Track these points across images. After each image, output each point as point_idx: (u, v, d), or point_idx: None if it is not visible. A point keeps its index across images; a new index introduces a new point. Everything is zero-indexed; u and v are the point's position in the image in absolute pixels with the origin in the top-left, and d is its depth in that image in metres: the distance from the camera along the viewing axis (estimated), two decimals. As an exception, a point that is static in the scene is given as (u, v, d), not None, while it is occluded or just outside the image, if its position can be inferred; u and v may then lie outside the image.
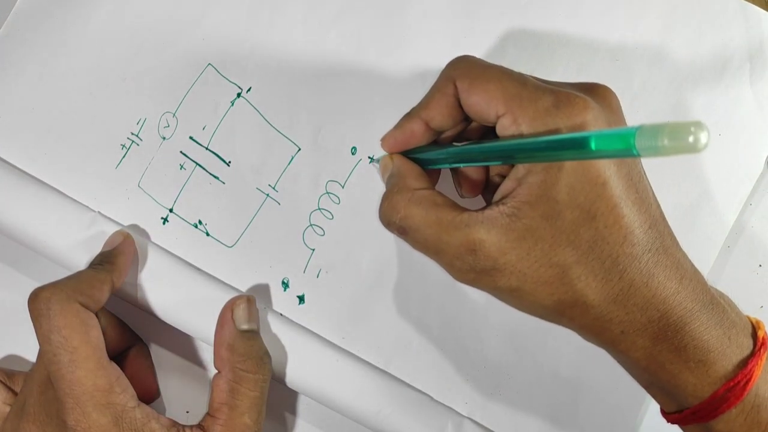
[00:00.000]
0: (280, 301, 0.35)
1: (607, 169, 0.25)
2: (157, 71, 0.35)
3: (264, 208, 0.35)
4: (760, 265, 0.37)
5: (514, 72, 0.28)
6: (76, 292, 0.29)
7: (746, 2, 0.36)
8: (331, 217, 0.35)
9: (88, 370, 0.28)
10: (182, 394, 0.36)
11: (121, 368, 0.30)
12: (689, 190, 0.36)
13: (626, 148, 0.20)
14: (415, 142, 0.30)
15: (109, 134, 0.35)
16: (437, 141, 0.31)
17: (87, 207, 0.34)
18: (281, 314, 0.35)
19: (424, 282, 0.35)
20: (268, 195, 0.35)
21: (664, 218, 0.27)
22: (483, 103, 0.27)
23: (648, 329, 0.26)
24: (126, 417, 0.28)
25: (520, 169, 0.26)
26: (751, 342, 0.27)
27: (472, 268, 0.26)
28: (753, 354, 0.27)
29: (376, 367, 0.35)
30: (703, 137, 0.18)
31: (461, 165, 0.29)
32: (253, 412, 0.30)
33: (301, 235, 0.35)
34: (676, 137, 0.18)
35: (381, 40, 0.35)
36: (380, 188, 0.35)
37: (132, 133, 0.35)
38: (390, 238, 0.35)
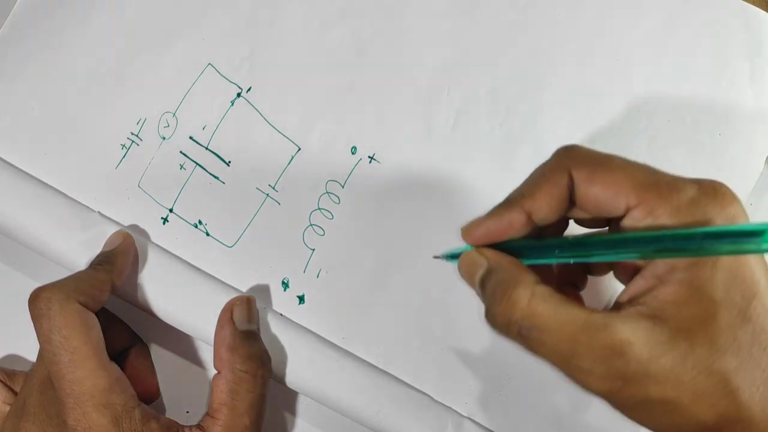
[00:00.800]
0: (280, 301, 0.35)
1: (761, 266, 0.23)
2: (157, 71, 0.35)
3: (264, 208, 0.35)
4: (760, 265, 0.37)
5: (638, 162, 0.24)
6: (77, 291, 0.29)
7: (746, 2, 0.36)
8: (331, 216, 0.35)
9: (89, 369, 0.28)
10: (182, 394, 0.36)
11: (121, 368, 0.30)
12: (689, 190, 0.36)
13: None
14: (511, 235, 0.26)
15: (109, 134, 0.35)
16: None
17: (87, 207, 0.34)
18: (281, 314, 0.35)
19: (424, 282, 0.35)
20: (268, 195, 0.35)
21: None
22: (608, 195, 0.24)
23: None
24: (126, 417, 0.28)
25: (660, 265, 0.23)
26: None
27: (619, 375, 0.22)
28: None
29: (376, 367, 0.35)
30: None
31: (573, 260, 0.25)
32: (253, 413, 0.30)
33: (301, 235, 0.35)
34: None
35: (381, 40, 0.35)
36: (380, 188, 0.35)
37: (132, 133, 0.35)
38: (390, 238, 0.35)
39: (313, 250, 0.35)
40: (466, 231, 0.27)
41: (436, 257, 0.30)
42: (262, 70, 0.35)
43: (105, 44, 0.35)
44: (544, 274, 0.27)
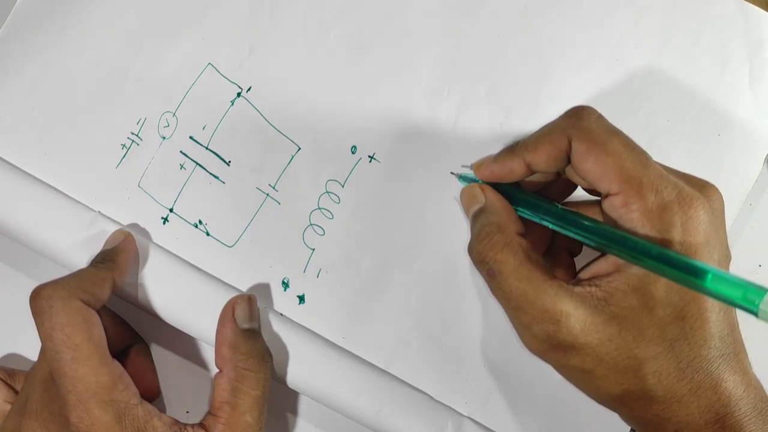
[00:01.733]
0: (281, 300, 0.35)
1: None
2: (157, 71, 0.35)
3: (264, 207, 0.35)
4: (760, 265, 0.37)
5: (638, 148, 0.26)
6: (78, 289, 0.29)
7: (746, 2, 0.36)
8: (331, 216, 0.35)
9: (91, 367, 0.28)
10: (182, 394, 0.36)
11: (122, 366, 0.30)
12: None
13: (747, 305, 0.20)
14: (511, 179, 0.30)
15: (110, 134, 0.35)
16: (518, 184, 0.31)
17: (87, 207, 0.34)
18: (281, 314, 0.35)
19: (424, 282, 0.35)
20: (268, 194, 0.35)
21: (738, 324, 0.27)
22: (596, 174, 0.26)
23: (703, 431, 0.26)
24: (128, 414, 0.28)
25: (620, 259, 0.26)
26: None
27: (548, 339, 0.26)
28: None
29: (377, 367, 0.35)
30: None
31: (553, 226, 0.28)
32: (255, 411, 0.30)
33: (301, 235, 0.35)
34: None
35: (381, 40, 0.35)
36: (381, 188, 0.35)
37: (132, 133, 0.35)
38: (390, 238, 0.35)
39: (313, 249, 0.35)
40: (477, 167, 0.31)
41: (452, 173, 0.34)
42: (262, 69, 0.35)
43: (105, 44, 0.35)
44: (541, 234, 0.31)
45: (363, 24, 0.35)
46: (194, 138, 0.35)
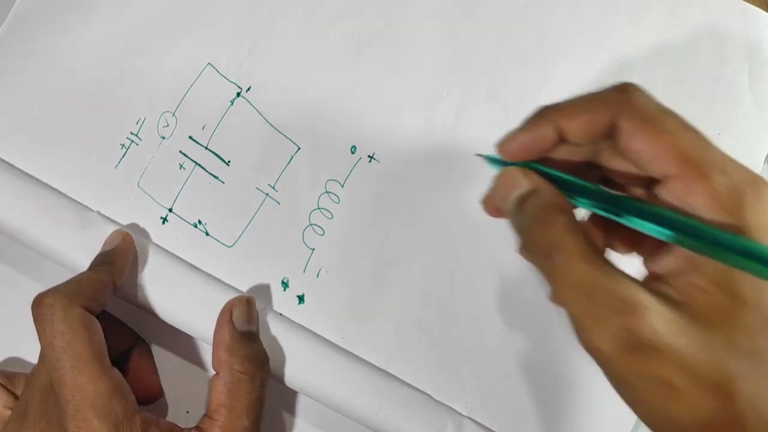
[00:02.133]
0: (280, 300, 0.35)
1: None
2: (156, 71, 0.35)
3: (264, 207, 0.35)
4: (760, 265, 0.37)
5: (696, 129, 0.22)
6: (79, 296, 0.29)
7: (746, 2, 0.36)
8: (330, 216, 0.35)
9: (90, 376, 0.28)
10: (182, 394, 0.36)
11: (124, 369, 0.30)
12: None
13: None
14: (541, 150, 0.24)
15: (109, 134, 0.35)
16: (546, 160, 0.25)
17: (86, 207, 0.34)
18: (281, 314, 0.35)
19: (424, 281, 0.35)
20: (267, 194, 0.35)
21: None
22: (649, 155, 0.22)
23: None
24: (126, 423, 0.28)
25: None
26: None
27: (627, 335, 0.20)
28: None
29: (376, 367, 0.34)
30: None
31: (601, 212, 0.23)
32: (252, 415, 0.30)
33: (300, 235, 0.35)
34: None
35: (380, 40, 0.35)
36: (380, 188, 0.35)
37: (131, 133, 0.35)
38: (390, 237, 0.35)
39: (313, 249, 0.35)
40: (501, 145, 0.25)
41: (479, 155, 0.27)
42: (261, 69, 0.35)
43: (104, 44, 0.35)
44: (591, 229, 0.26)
45: (363, 24, 0.35)
46: (194, 138, 0.35)
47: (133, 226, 0.34)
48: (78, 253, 0.33)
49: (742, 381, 0.20)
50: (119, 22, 0.35)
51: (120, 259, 0.32)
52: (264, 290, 0.35)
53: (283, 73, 0.35)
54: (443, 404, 0.35)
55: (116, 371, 0.29)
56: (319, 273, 0.35)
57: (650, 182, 0.23)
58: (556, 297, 0.22)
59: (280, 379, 0.34)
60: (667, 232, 0.22)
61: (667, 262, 0.23)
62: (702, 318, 0.21)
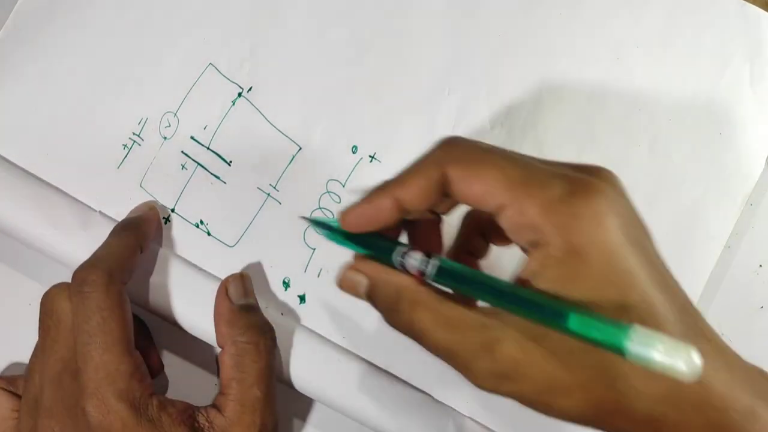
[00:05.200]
0: (281, 300, 0.35)
1: (632, 256, 0.22)
2: (158, 71, 0.35)
3: (265, 207, 0.35)
4: (761, 265, 0.37)
5: (516, 154, 0.24)
6: (118, 271, 0.29)
7: (746, 2, 0.36)
8: (332, 216, 0.35)
9: (116, 354, 0.28)
10: (182, 394, 0.36)
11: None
12: (690, 191, 0.36)
13: (615, 345, 0.19)
14: (380, 222, 0.26)
15: (111, 134, 0.35)
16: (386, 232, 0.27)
17: (88, 207, 0.34)
18: (282, 314, 0.35)
19: (425, 282, 0.35)
20: (269, 194, 0.35)
21: (690, 301, 0.24)
22: (481, 194, 0.24)
23: (708, 429, 0.22)
24: (143, 404, 0.28)
25: (533, 263, 0.23)
26: None
27: (490, 372, 0.23)
28: None
29: (378, 367, 0.34)
30: (696, 369, 0.17)
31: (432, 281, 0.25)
32: (263, 384, 0.30)
33: (302, 235, 0.35)
34: (671, 356, 0.17)
35: (381, 40, 0.36)
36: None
37: (133, 133, 0.35)
38: (391, 238, 0.35)
39: (314, 249, 0.35)
40: (342, 216, 0.27)
41: (302, 218, 0.33)
42: (263, 69, 0.35)
43: (106, 44, 0.35)
44: (431, 229, 0.28)
45: (363, 24, 0.35)
46: (195, 138, 0.35)
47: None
48: (78, 253, 0.33)
49: (612, 367, 0.22)
50: (120, 22, 0.35)
51: (145, 225, 0.33)
52: (265, 290, 0.35)
53: (285, 73, 0.35)
54: (444, 404, 0.35)
55: (137, 353, 0.29)
56: (320, 273, 0.35)
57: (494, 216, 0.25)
58: (433, 354, 0.25)
59: (280, 379, 0.34)
60: (483, 299, 0.24)
61: (529, 268, 0.23)
62: None
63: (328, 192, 0.35)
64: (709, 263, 0.36)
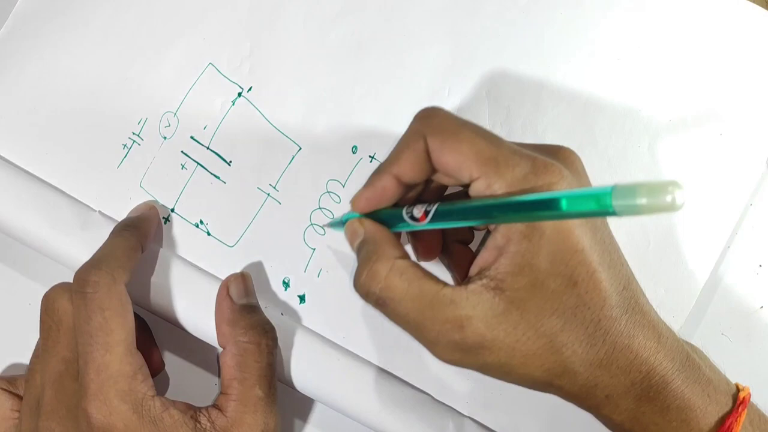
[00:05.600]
0: (281, 300, 0.35)
1: (584, 236, 0.25)
2: (158, 71, 0.35)
3: (265, 207, 0.35)
4: (761, 265, 0.37)
5: (488, 132, 0.27)
6: (120, 271, 0.29)
7: (747, 1, 0.36)
8: (332, 216, 0.35)
9: (118, 354, 0.28)
10: (184, 394, 0.36)
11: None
12: (690, 190, 0.36)
13: (602, 209, 0.20)
14: (387, 199, 0.29)
15: (111, 134, 0.35)
16: (397, 204, 0.30)
17: (88, 206, 0.34)
18: (282, 314, 0.35)
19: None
20: (269, 194, 0.35)
21: (634, 277, 0.27)
22: (455, 164, 0.26)
23: (631, 391, 0.26)
24: (145, 405, 0.28)
25: (499, 238, 0.26)
26: (730, 400, 0.27)
27: (458, 347, 0.26)
28: (731, 411, 0.27)
29: (377, 367, 0.34)
30: (680, 197, 0.18)
31: (434, 226, 0.28)
32: (264, 384, 0.30)
33: (302, 235, 0.35)
34: (654, 196, 0.18)
35: (381, 40, 0.35)
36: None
37: (133, 133, 0.35)
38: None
39: (314, 249, 0.35)
40: (353, 201, 0.29)
41: (324, 226, 0.35)
42: (263, 69, 0.35)
43: (106, 44, 0.35)
44: (430, 238, 0.31)
45: (363, 24, 0.35)
46: (195, 138, 0.35)
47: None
48: (78, 253, 0.33)
49: (560, 336, 0.25)
50: (120, 22, 0.35)
51: (145, 225, 0.33)
52: (265, 290, 0.35)
53: (285, 73, 0.35)
54: (444, 404, 0.35)
55: (139, 354, 0.29)
56: (320, 273, 0.35)
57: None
58: (396, 325, 0.27)
59: (280, 379, 0.34)
60: (476, 221, 0.26)
61: (483, 257, 0.26)
62: (516, 298, 0.25)
63: (328, 192, 0.35)
64: (709, 263, 0.36)
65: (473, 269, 0.27)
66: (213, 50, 0.35)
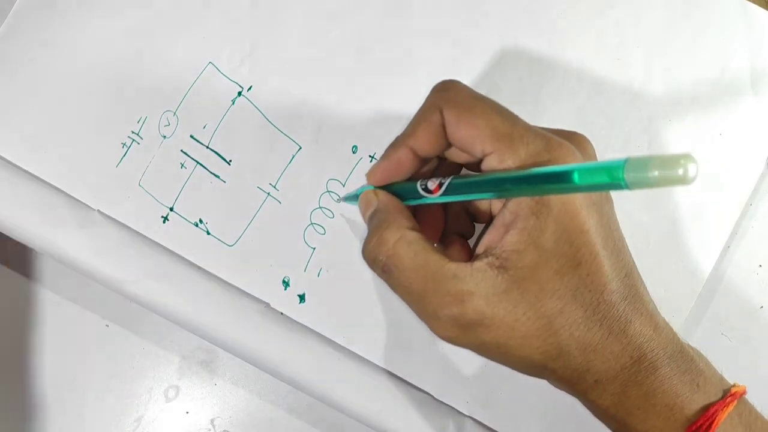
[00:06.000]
0: (281, 300, 0.35)
1: (590, 218, 0.26)
2: (157, 70, 0.35)
3: (265, 206, 0.35)
4: (760, 266, 0.37)
5: (504, 109, 0.27)
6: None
7: (747, 1, 0.36)
8: (332, 215, 0.35)
9: None
10: (185, 393, 0.36)
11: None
12: (689, 191, 0.36)
13: (614, 181, 0.20)
14: (403, 172, 0.29)
15: (110, 133, 0.35)
16: (412, 178, 0.30)
17: (87, 205, 0.34)
18: (282, 313, 0.34)
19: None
20: (268, 194, 0.35)
21: (636, 267, 0.28)
22: (470, 138, 0.26)
23: (620, 376, 0.26)
24: None
25: (507, 215, 0.26)
26: (720, 392, 0.27)
27: (456, 322, 0.25)
28: (718, 401, 0.27)
29: (378, 366, 0.34)
30: (692, 169, 0.18)
31: (446, 198, 0.28)
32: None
33: (301, 234, 0.35)
34: (666, 168, 0.18)
35: (381, 39, 0.35)
36: (381, 187, 0.35)
37: (133, 132, 0.35)
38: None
39: (314, 248, 0.35)
40: (369, 173, 0.30)
41: (338, 200, 0.34)
42: (263, 68, 0.35)
43: (106, 43, 0.35)
44: (433, 222, 0.31)
45: (363, 24, 0.35)
46: (195, 137, 0.35)
47: (132, 228, 0.34)
48: (77, 252, 0.33)
49: (559, 318, 0.25)
50: (120, 21, 0.35)
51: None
52: (265, 289, 0.35)
53: (285, 72, 0.35)
54: (445, 404, 0.35)
55: None
56: (320, 272, 0.35)
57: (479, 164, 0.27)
58: (398, 295, 0.27)
59: (280, 378, 0.34)
60: (488, 194, 0.26)
61: (490, 236, 0.26)
62: (519, 277, 0.25)
63: (328, 191, 0.35)
64: (708, 263, 0.36)
65: (479, 248, 0.27)
66: (213, 49, 0.35)
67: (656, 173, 0.18)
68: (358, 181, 0.35)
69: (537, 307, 0.25)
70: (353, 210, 0.35)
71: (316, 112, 0.35)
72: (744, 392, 0.28)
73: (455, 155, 0.29)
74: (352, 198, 0.32)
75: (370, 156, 0.35)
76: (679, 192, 0.36)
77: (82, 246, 0.33)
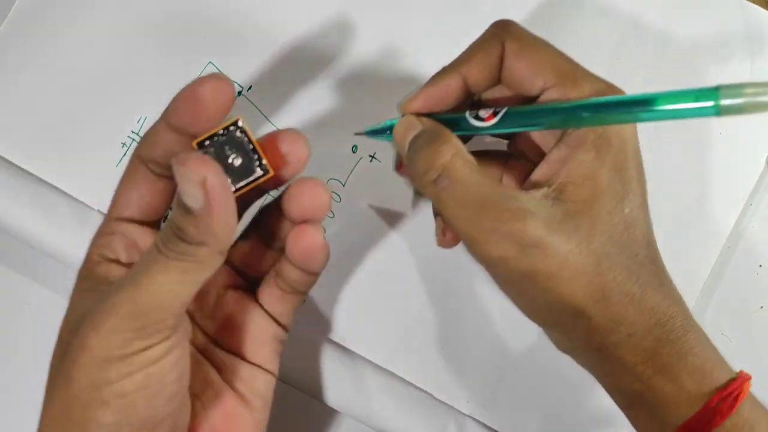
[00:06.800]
0: (281, 300, 0.35)
1: (639, 166, 0.26)
2: (157, 69, 0.35)
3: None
4: (761, 265, 0.37)
5: (564, 53, 0.27)
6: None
7: (747, 2, 0.36)
8: (332, 215, 0.35)
9: None
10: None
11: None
12: (689, 190, 0.36)
13: (706, 106, 0.20)
14: (447, 101, 0.27)
15: (110, 133, 0.35)
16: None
17: (87, 205, 0.34)
18: (282, 313, 0.34)
19: (425, 280, 0.35)
20: (269, 193, 0.35)
21: (654, 239, 0.27)
22: (530, 70, 0.26)
23: (653, 332, 0.25)
24: None
25: (564, 149, 0.25)
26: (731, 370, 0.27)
27: (516, 239, 0.24)
28: (741, 372, 0.26)
29: (378, 366, 0.34)
30: None
31: (500, 130, 0.26)
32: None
33: (302, 234, 0.35)
34: (762, 94, 0.18)
35: (381, 39, 0.35)
36: (382, 187, 0.35)
37: (132, 132, 0.35)
38: (391, 236, 0.35)
39: (314, 248, 0.35)
40: (406, 102, 0.28)
41: (357, 134, 0.31)
42: (263, 68, 0.35)
43: (105, 42, 0.35)
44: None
45: (364, 23, 0.35)
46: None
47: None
48: (77, 251, 0.33)
49: (605, 259, 0.24)
50: (120, 20, 0.35)
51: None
52: (265, 289, 0.35)
53: (285, 71, 0.35)
54: (445, 403, 0.35)
55: None
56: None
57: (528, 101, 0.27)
58: (448, 219, 0.25)
59: (280, 379, 0.34)
60: (551, 123, 0.25)
61: (546, 168, 0.26)
62: (572, 210, 0.24)
63: (328, 191, 0.35)
64: (708, 263, 0.36)
65: (529, 182, 0.26)
66: (213, 49, 0.35)
67: (751, 98, 0.18)
68: (358, 181, 0.35)
69: (588, 242, 0.24)
70: (355, 202, 0.34)
71: (316, 112, 0.35)
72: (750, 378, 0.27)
73: (500, 93, 0.28)
74: (379, 131, 0.29)
75: (370, 156, 0.35)
76: (679, 191, 0.36)
77: (82, 246, 0.33)
